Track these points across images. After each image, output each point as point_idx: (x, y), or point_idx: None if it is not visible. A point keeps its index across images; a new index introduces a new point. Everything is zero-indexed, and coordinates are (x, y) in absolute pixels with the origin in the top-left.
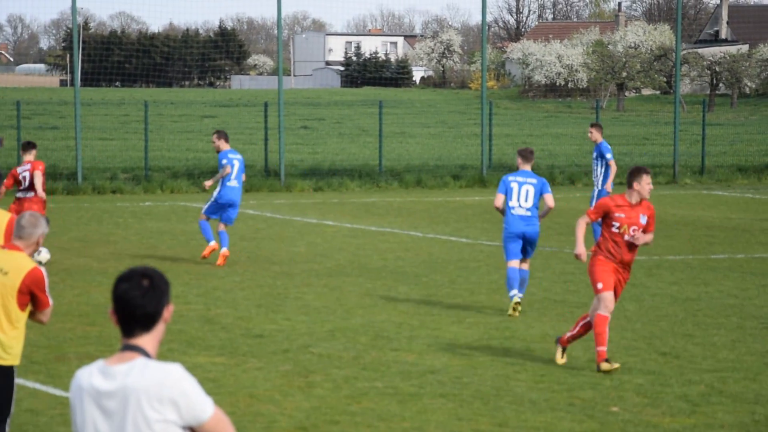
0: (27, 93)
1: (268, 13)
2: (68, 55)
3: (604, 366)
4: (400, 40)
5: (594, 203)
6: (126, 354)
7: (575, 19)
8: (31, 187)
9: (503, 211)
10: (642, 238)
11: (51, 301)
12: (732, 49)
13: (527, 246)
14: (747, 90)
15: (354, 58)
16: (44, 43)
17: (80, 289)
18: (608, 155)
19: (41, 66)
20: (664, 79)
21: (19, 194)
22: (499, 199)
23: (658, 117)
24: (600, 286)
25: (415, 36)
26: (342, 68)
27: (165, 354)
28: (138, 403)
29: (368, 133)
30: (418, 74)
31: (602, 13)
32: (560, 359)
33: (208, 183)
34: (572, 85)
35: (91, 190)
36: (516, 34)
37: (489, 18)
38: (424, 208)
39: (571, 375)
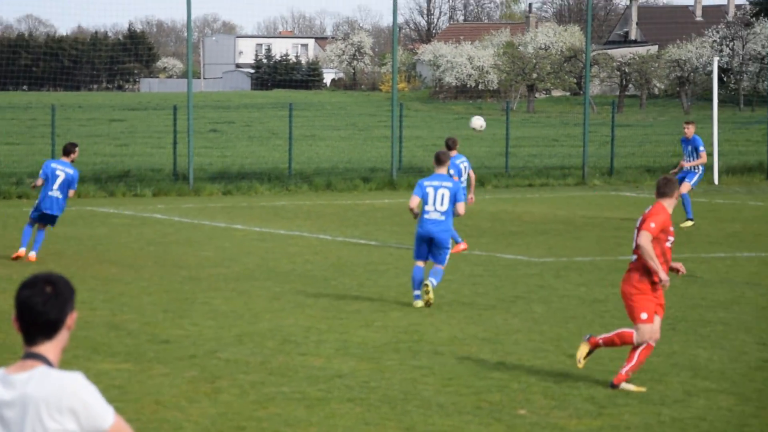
0: None
1: (178, 16)
2: None
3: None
4: (310, 42)
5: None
6: (27, 362)
7: (486, 21)
8: None
9: (417, 213)
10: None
11: None
12: (641, 50)
13: (434, 248)
14: (656, 91)
15: (264, 61)
16: None
17: None
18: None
19: None
20: (574, 81)
21: None
22: (414, 201)
23: (567, 118)
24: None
25: (326, 38)
26: (252, 71)
27: (70, 361)
28: (37, 413)
29: (278, 136)
30: (328, 76)
31: (513, 15)
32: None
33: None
34: (483, 86)
35: None
36: (427, 35)
37: (400, 20)
38: (334, 212)
39: (478, 378)
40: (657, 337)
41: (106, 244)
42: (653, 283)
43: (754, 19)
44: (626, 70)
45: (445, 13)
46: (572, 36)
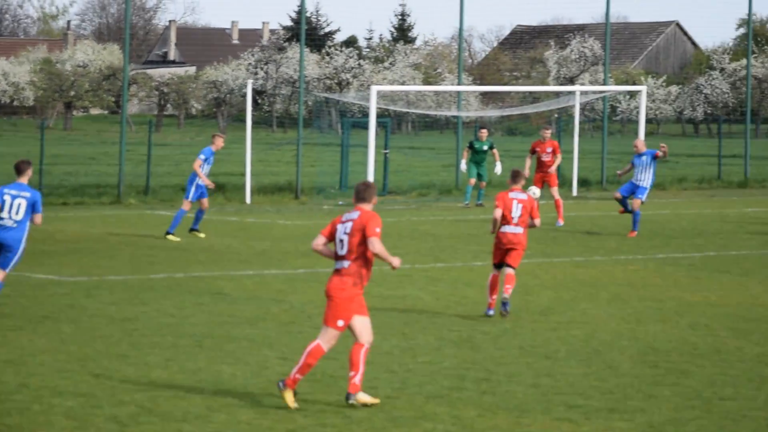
0: None
1: None
2: None
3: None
4: None
5: None
6: None
7: (23, 36)
8: None
9: None
10: None
11: None
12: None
13: (6, 252)
14: (194, 111)
15: None
16: None
17: None
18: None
19: None
20: (113, 99)
21: None
22: None
23: (105, 137)
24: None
25: None
26: None
27: None
28: None
29: None
30: None
31: (51, 31)
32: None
33: None
34: (18, 103)
35: None
36: None
37: None
38: None
39: (0, 401)
40: (371, 339)
41: None
42: (362, 288)
43: (287, 43)
44: (165, 90)
45: None
46: (111, 54)
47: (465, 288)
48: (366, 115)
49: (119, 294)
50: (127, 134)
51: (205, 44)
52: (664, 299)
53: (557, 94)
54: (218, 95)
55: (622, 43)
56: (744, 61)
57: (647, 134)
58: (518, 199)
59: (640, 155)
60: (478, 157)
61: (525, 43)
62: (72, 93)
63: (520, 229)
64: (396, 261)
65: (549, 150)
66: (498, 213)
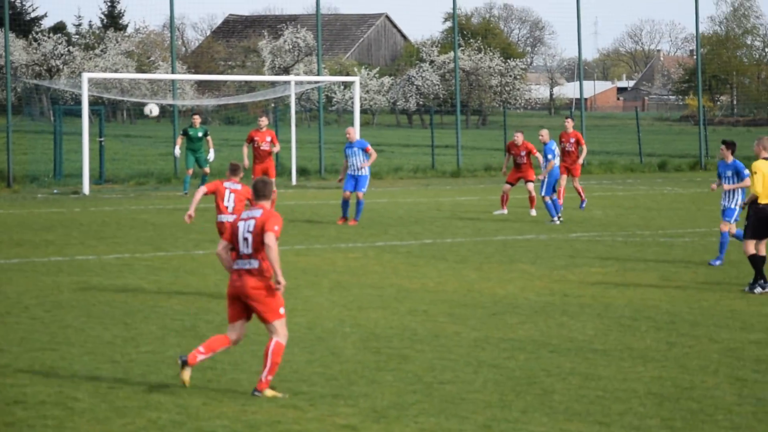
0: None
1: None
2: None
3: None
4: None
5: None
6: None
7: None
8: None
9: None
10: None
11: None
12: None
13: None
14: None
15: None
16: None
17: None
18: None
19: None
20: None
21: None
22: None
23: None
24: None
25: None
26: None
27: None
28: None
29: None
30: None
31: None
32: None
33: None
34: None
35: None
36: None
37: None
38: None
39: None
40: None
41: None
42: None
43: None
44: None
45: None
46: None
47: (187, 276)
48: (79, 102)
49: None
50: None
51: None
52: (384, 286)
53: (273, 83)
54: None
55: (335, 34)
56: (452, 54)
57: (362, 124)
58: (231, 189)
59: (351, 145)
60: (193, 144)
61: (238, 32)
62: None
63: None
64: (281, 278)
65: (268, 139)
66: (199, 194)
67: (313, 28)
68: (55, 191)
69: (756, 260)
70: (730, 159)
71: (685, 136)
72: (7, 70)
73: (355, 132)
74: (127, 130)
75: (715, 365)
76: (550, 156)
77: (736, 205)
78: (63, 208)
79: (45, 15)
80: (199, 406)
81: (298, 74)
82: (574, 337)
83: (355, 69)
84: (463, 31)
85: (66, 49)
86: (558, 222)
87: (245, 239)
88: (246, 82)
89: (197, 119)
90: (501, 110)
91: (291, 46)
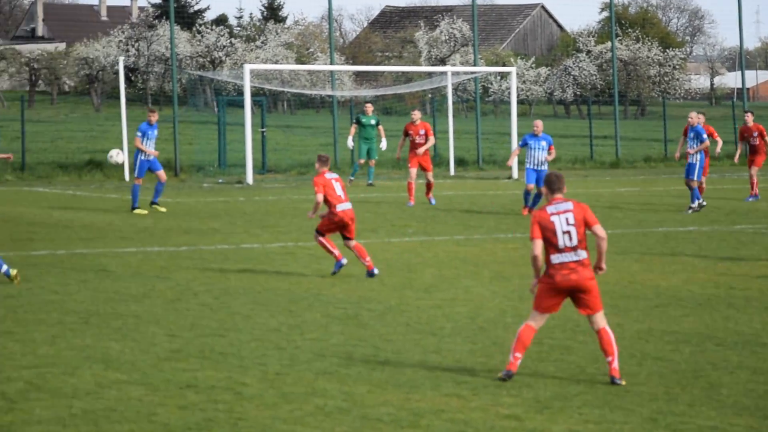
0: None
1: None
2: None
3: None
4: None
5: None
6: None
7: None
8: None
9: None
10: None
11: None
12: (50, 46)
13: None
14: (66, 88)
15: None
16: None
17: None
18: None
19: None
20: None
21: None
22: None
23: None
24: None
25: None
26: None
27: None
28: None
29: None
30: None
31: None
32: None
33: None
34: None
35: None
36: None
37: None
38: None
39: None
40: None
41: None
42: None
43: (156, 21)
44: (35, 66)
45: None
46: None
47: (349, 265)
48: (241, 93)
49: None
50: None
51: (73, 20)
52: None
53: (429, 74)
54: (90, 72)
55: (490, 24)
56: (609, 44)
57: (519, 115)
58: (334, 179)
59: (537, 138)
60: (366, 132)
61: (395, 23)
62: None
63: (349, 205)
64: (605, 266)
65: (422, 132)
66: (320, 197)
67: (469, 19)
68: (220, 180)
69: None
70: None
71: None
72: (173, 62)
73: (542, 125)
74: (287, 121)
75: None
76: (705, 136)
77: None
78: (228, 197)
79: (208, 8)
80: (364, 394)
81: (454, 65)
82: (741, 331)
83: (512, 59)
84: (620, 20)
85: (228, 41)
86: (698, 209)
87: (566, 232)
88: (403, 72)
89: (369, 107)
90: (660, 100)
91: (447, 37)
